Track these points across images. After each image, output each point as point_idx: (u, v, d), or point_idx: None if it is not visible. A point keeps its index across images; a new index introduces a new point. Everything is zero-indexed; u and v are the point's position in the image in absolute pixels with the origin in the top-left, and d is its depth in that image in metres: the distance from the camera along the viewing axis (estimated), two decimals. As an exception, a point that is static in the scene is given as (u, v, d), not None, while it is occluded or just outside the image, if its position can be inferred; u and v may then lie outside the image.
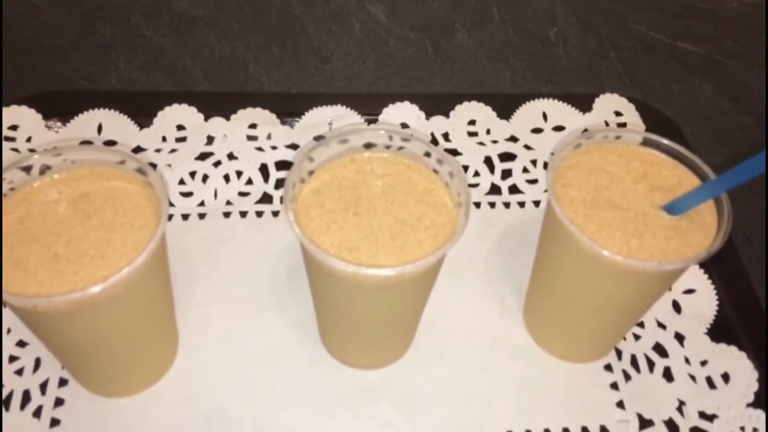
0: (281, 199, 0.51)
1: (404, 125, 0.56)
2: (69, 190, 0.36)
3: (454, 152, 0.54)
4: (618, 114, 0.57)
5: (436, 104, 0.57)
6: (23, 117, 0.52)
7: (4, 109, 0.52)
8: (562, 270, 0.39)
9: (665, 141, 0.40)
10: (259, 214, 0.51)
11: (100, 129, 0.53)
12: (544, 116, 0.57)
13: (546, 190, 0.53)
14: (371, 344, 0.42)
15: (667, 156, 0.40)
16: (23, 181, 0.36)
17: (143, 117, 0.54)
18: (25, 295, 0.32)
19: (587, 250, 0.35)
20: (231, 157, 0.53)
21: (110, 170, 0.37)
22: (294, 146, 0.54)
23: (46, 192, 0.36)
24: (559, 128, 0.56)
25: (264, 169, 0.53)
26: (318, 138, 0.54)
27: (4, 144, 0.51)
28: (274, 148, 0.54)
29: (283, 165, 0.53)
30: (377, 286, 0.35)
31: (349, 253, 0.35)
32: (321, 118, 0.55)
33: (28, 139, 0.52)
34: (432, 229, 0.36)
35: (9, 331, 0.43)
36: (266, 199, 0.52)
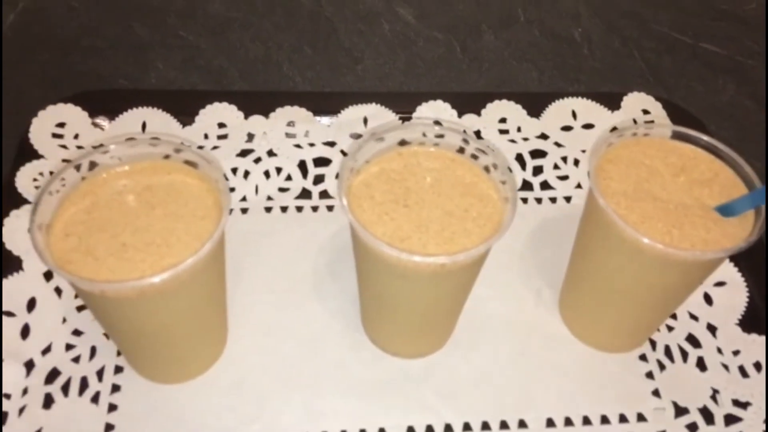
0: (320, 195, 0.53)
1: (437, 123, 0.57)
2: (132, 182, 0.38)
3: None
4: (645, 112, 0.59)
5: (468, 102, 0.58)
6: (70, 115, 0.54)
7: (51, 107, 0.54)
8: (603, 261, 0.41)
9: (704, 137, 0.41)
10: (299, 209, 0.52)
11: (144, 127, 0.54)
12: (574, 114, 0.58)
13: (577, 186, 0.55)
14: (416, 333, 0.43)
15: (703, 150, 0.41)
16: (89, 174, 0.38)
17: (184, 115, 0.55)
18: (99, 280, 0.33)
19: (630, 240, 0.37)
20: (270, 153, 0.55)
21: (171, 163, 0.39)
22: (331, 143, 0.55)
23: (111, 184, 0.38)
24: (588, 126, 0.58)
25: (302, 166, 0.54)
26: (355, 135, 0.56)
27: (53, 141, 0.52)
28: (311, 145, 0.55)
29: (320, 161, 0.55)
30: (430, 274, 0.36)
31: (401, 243, 0.37)
32: (356, 115, 0.57)
33: (76, 136, 0.53)
34: (479, 220, 0.38)
35: (65, 320, 0.44)
36: (305, 194, 0.53)
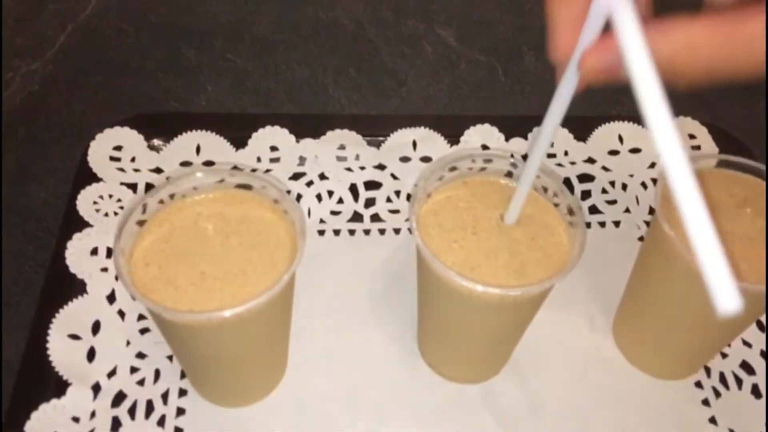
0: (371, 218, 0.54)
1: (485, 147, 0.58)
2: (207, 211, 0.39)
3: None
4: (692, 137, 0.59)
5: (514, 126, 0.59)
6: (126, 138, 0.55)
7: (108, 130, 0.55)
8: (666, 289, 0.41)
9: (764, 167, 0.42)
10: (351, 232, 0.53)
11: (198, 150, 0.55)
12: (620, 138, 0.59)
13: (626, 210, 0.55)
14: (476, 360, 0.44)
15: (763, 181, 0.42)
16: (164, 204, 0.38)
17: (237, 137, 0.56)
18: (184, 310, 0.34)
19: (697, 270, 0.37)
20: (322, 177, 0.55)
21: (243, 193, 0.39)
22: (381, 166, 0.56)
23: (186, 212, 0.38)
24: (635, 150, 0.58)
25: (353, 189, 0.55)
26: (405, 159, 0.57)
27: (111, 164, 0.53)
28: (362, 168, 0.56)
29: (371, 185, 0.55)
30: (498, 304, 0.37)
31: (470, 272, 0.37)
32: (405, 139, 0.57)
33: (133, 159, 0.54)
34: (547, 249, 0.38)
35: (128, 343, 0.45)
36: (357, 217, 0.54)
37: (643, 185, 0.57)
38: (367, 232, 0.53)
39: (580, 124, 0.59)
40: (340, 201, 0.54)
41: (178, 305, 0.34)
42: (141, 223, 0.37)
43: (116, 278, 0.48)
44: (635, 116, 0.60)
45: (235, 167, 0.54)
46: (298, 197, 0.54)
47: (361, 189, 0.55)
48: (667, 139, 0.23)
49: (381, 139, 0.57)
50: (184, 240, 0.37)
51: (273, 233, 0.38)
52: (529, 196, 0.41)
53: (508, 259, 0.38)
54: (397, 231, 0.53)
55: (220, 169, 0.40)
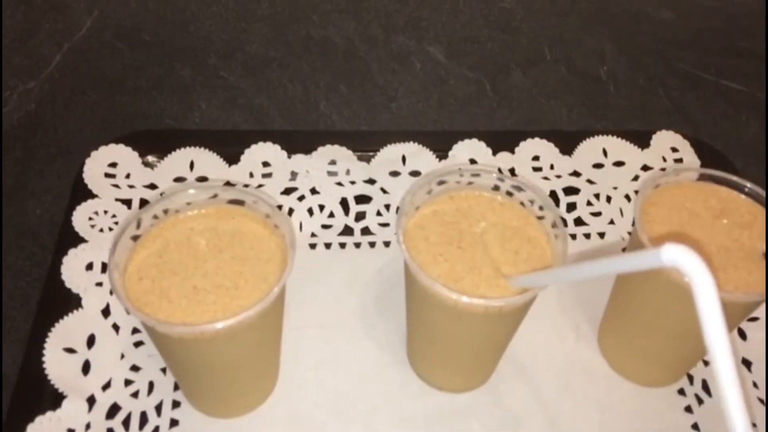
0: (362, 231, 0.55)
1: (472, 161, 0.59)
2: (199, 226, 0.40)
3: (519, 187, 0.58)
4: (674, 150, 0.61)
5: (502, 141, 0.60)
6: (121, 155, 0.56)
7: (103, 148, 0.56)
8: (646, 299, 0.42)
9: (747, 183, 0.43)
10: (342, 245, 0.54)
11: (192, 166, 0.56)
12: (604, 152, 0.60)
13: (610, 222, 0.57)
14: (464, 369, 0.45)
15: (741, 194, 0.43)
16: (158, 219, 0.39)
17: (230, 154, 0.57)
18: (177, 323, 0.35)
19: (675, 282, 0.38)
20: (314, 191, 0.56)
21: (234, 208, 0.41)
22: (371, 181, 0.57)
23: (179, 227, 0.39)
24: (619, 163, 0.60)
25: (344, 203, 0.56)
26: (394, 173, 0.58)
27: (106, 180, 0.54)
28: (353, 183, 0.57)
29: (362, 199, 0.56)
30: (482, 315, 0.38)
31: (455, 284, 0.38)
32: (395, 154, 0.59)
33: (127, 176, 0.55)
34: (530, 262, 0.40)
35: (123, 356, 0.46)
36: (348, 231, 0.55)
37: (627, 197, 0.58)
38: (357, 245, 0.54)
39: (565, 138, 0.61)
40: (331, 215, 0.56)
41: (171, 318, 0.35)
42: (135, 238, 0.38)
43: (111, 292, 0.49)
44: (619, 130, 0.62)
45: (227, 183, 0.55)
46: (290, 211, 0.55)
47: (351, 203, 0.56)
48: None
49: (371, 154, 0.59)
50: (177, 254, 0.38)
51: (264, 247, 0.39)
52: (513, 209, 0.43)
53: (491, 273, 0.39)
54: (387, 244, 0.55)
55: (213, 185, 0.41)
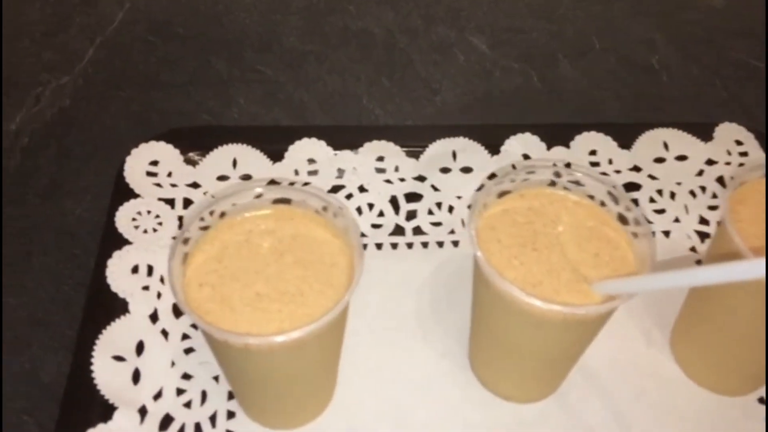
0: (413, 231, 0.53)
1: (526, 156, 0.57)
2: (258, 229, 0.37)
3: (578, 183, 0.55)
4: (738, 143, 0.58)
5: (555, 134, 0.57)
6: (162, 153, 0.54)
7: (143, 145, 0.54)
8: (730, 302, 0.40)
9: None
10: (394, 245, 0.52)
11: (235, 163, 0.54)
12: (665, 145, 0.57)
13: (675, 220, 0.54)
14: (535, 378, 0.42)
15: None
16: (213, 221, 0.37)
17: (273, 150, 0.55)
18: (242, 333, 0.33)
19: (762, 283, 0.36)
20: (362, 189, 0.54)
21: (293, 210, 0.38)
22: (421, 178, 0.55)
23: (237, 230, 0.37)
24: (681, 157, 0.57)
25: (394, 202, 0.54)
26: (445, 170, 0.55)
27: (148, 179, 0.52)
28: (402, 180, 0.55)
29: (412, 197, 0.54)
30: (563, 323, 0.35)
31: (532, 289, 0.36)
32: (445, 149, 0.56)
33: (169, 174, 0.53)
34: (612, 265, 0.37)
35: (173, 364, 0.44)
36: (399, 231, 0.52)
37: (692, 194, 0.55)
38: (409, 245, 0.52)
39: (622, 131, 0.58)
40: (381, 214, 0.53)
41: (235, 327, 0.33)
42: (188, 241, 0.36)
43: (158, 296, 0.46)
44: (679, 122, 0.59)
45: (272, 181, 0.53)
46: (338, 211, 0.53)
47: (401, 201, 0.54)
48: None
49: (419, 149, 0.56)
50: (238, 259, 0.36)
51: (327, 250, 0.37)
52: (588, 208, 0.40)
53: (571, 277, 0.36)
54: (440, 244, 0.52)
55: (281, 186, 0.39)
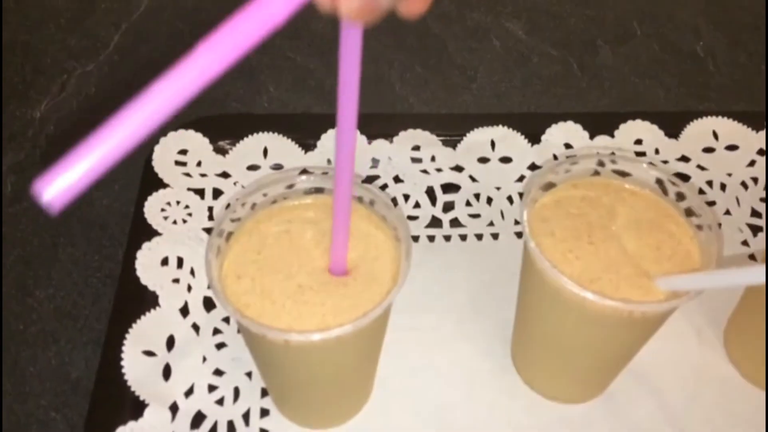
0: (451, 223, 0.50)
1: (567, 145, 0.54)
2: (298, 220, 0.35)
3: (623, 173, 0.52)
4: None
5: (599, 123, 0.55)
6: (191, 141, 0.52)
7: (172, 134, 0.52)
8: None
9: None
10: (431, 238, 0.50)
11: (265, 152, 0.52)
12: (715, 135, 0.55)
13: (726, 212, 0.51)
14: (584, 378, 0.40)
15: None
16: (247, 212, 0.35)
17: (304, 139, 0.53)
18: (283, 328, 0.31)
19: None
20: (397, 179, 0.52)
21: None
22: (459, 168, 0.53)
23: (275, 220, 0.35)
24: (732, 147, 0.54)
25: (430, 192, 0.52)
26: (483, 159, 0.53)
27: (177, 168, 0.51)
28: (438, 170, 0.53)
29: (449, 188, 0.52)
30: (624, 320, 0.33)
31: (591, 285, 0.33)
32: (483, 138, 0.54)
33: (199, 164, 0.51)
34: (675, 259, 0.35)
35: (205, 359, 0.42)
36: (436, 223, 0.50)
37: (744, 185, 0.52)
38: (447, 238, 0.50)
39: (669, 120, 0.55)
40: (417, 205, 0.51)
41: (275, 321, 0.31)
42: (228, 234, 0.34)
43: (188, 289, 0.45)
44: (728, 111, 0.56)
45: (304, 170, 0.51)
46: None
47: (438, 192, 0.52)
48: None
49: (456, 138, 0.54)
50: (277, 250, 0.34)
51: (371, 243, 0.35)
52: (647, 199, 0.38)
53: (631, 272, 0.34)
54: (479, 237, 0.50)
55: (319, 175, 0.37)
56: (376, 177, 0.52)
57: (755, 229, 0.50)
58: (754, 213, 0.51)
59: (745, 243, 0.50)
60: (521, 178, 0.53)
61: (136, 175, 0.51)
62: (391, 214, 0.35)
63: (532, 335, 0.40)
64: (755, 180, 0.53)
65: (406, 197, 0.51)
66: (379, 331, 0.35)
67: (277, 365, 0.34)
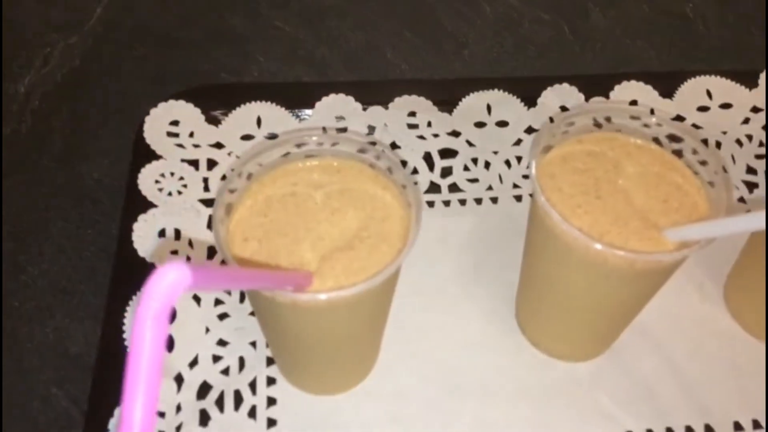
0: (449, 188, 0.50)
1: (563, 108, 0.54)
2: (303, 182, 0.35)
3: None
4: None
5: (593, 85, 0.55)
6: (182, 112, 0.51)
7: (162, 105, 0.51)
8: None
9: None
10: (430, 203, 0.49)
11: (259, 122, 0.51)
12: (709, 94, 0.55)
13: (716, 172, 0.51)
14: (591, 336, 0.40)
15: None
16: (257, 173, 0.35)
17: (297, 108, 0.52)
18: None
19: None
20: (394, 146, 0.51)
21: (340, 162, 0.36)
22: (455, 133, 0.52)
23: (281, 183, 0.35)
24: (726, 105, 0.54)
25: (428, 158, 0.51)
26: (479, 124, 0.53)
27: (169, 140, 0.49)
28: (435, 135, 0.52)
29: (446, 153, 0.51)
30: (634, 273, 0.33)
31: (600, 239, 0.33)
32: (479, 103, 0.53)
33: (191, 134, 0.50)
34: (682, 211, 0.35)
35: (207, 330, 0.42)
36: (434, 188, 0.50)
37: (738, 143, 0.53)
38: (446, 203, 0.49)
39: (662, 80, 0.55)
40: (415, 171, 0.51)
41: (286, 284, 0.31)
42: (231, 193, 0.34)
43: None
44: (721, 70, 0.56)
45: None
46: (370, 168, 0.50)
47: (435, 158, 0.51)
48: None
49: (452, 104, 0.53)
50: (284, 213, 0.33)
51: (378, 204, 0.34)
52: (652, 152, 0.38)
53: (639, 225, 0.34)
54: (478, 201, 0.50)
55: (336, 135, 0.36)
56: (373, 144, 0.51)
57: (750, 186, 0.51)
58: (750, 170, 0.51)
59: (741, 199, 0.50)
60: (518, 142, 0.52)
61: (126, 148, 0.50)
62: (401, 174, 0.34)
63: (539, 294, 0.40)
64: (749, 137, 0.53)
65: (404, 163, 0.51)
66: (388, 291, 0.35)
67: (285, 329, 0.34)
